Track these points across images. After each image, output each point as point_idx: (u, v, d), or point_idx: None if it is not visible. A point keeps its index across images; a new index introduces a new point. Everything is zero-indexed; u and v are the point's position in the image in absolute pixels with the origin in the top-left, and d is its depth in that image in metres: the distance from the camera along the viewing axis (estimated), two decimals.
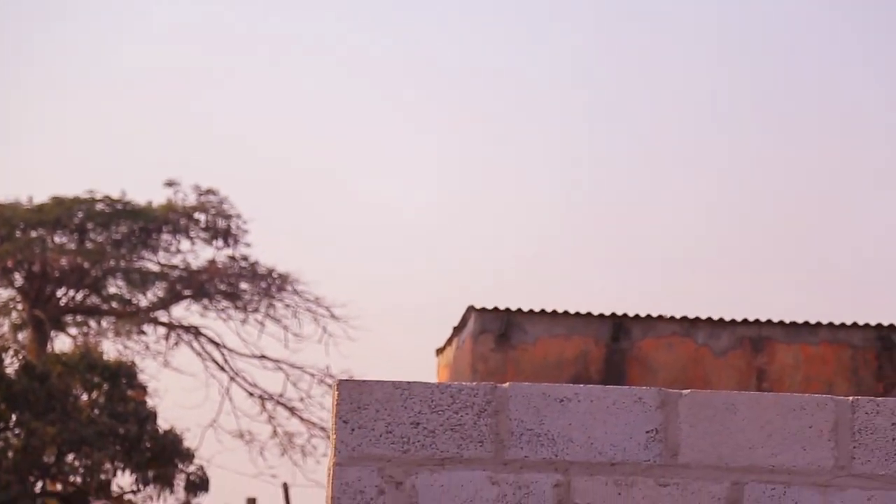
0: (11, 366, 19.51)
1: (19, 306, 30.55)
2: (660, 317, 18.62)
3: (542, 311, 18.35)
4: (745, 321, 18.79)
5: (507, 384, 3.95)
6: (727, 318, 18.79)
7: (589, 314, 18.47)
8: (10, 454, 19.47)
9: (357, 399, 3.87)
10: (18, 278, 30.55)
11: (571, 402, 3.94)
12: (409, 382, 3.94)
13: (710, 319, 18.73)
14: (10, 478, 19.42)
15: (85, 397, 20.43)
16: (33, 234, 30.54)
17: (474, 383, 3.99)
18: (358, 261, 55.40)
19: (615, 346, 18.07)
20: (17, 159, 51.36)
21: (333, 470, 3.78)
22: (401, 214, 58.20)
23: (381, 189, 57.41)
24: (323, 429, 30.02)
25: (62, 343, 30.60)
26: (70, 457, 19.67)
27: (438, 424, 3.85)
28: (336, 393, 3.83)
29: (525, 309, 18.28)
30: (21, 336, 29.49)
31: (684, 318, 18.65)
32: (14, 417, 18.98)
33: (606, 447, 3.94)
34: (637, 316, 18.57)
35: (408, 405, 3.87)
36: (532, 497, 3.84)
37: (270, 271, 31.57)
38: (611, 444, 3.95)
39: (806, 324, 18.80)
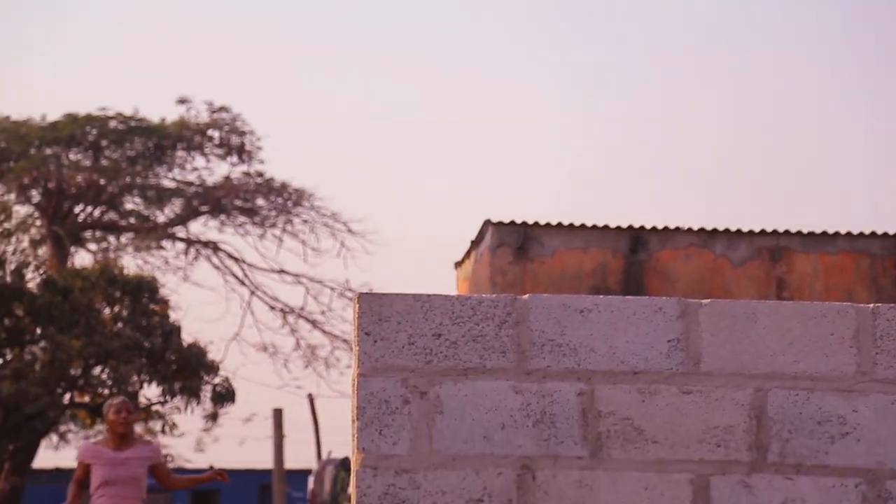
0: (33, 281, 19.62)
1: (38, 223, 30.67)
2: (677, 228, 18.60)
3: (560, 225, 18.34)
4: (762, 232, 18.76)
5: (526, 296, 3.97)
6: (745, 229, 18.76)
7: (606, 227, 18.46)
8: (38, 367, 19.64)
9: (378, 311, 3.90)
10: (35, 195, 30.64)
11: (592, 313, 3.96)
12: (429, 295, 3.97)
13: (727, 230, 18.71)
14: (39, 390, 19.59)
15: (108, 311, 20.55)
16: (48, 151, 30.58)
17: (495, 295, 4.01)
18: (374, 176, 55.36)
19: (633, 258, 18.08)
20: (30, 77, 51.28)
21: (358, 381, 3.81)
22: (417, 127, 58.05)
23: (397, 100, 57.22)
24: (345, 341, 30.20)
25: (82, 259, 30.76)
26: (97, 370, 19.83)
27: (460, 336, 3.88)
28: (357, 305, 3.86)
29: (542, 222, 18.27)
30: (41, 252, 29.62)
31: (702, 230, 18.62)
32: (39, 331, 19.11)
33: (629, 356, 3.97)
34: (655, 228, 18.55)
35: (429, 317, 3.89)
36: (556, 405, 3.87)
37: (286, 187, 31.60)
38: (633, 353, 3.97)
39: (824, 234, 18.77)
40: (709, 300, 4.08)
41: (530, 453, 3.85)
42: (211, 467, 36.18)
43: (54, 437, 28.67)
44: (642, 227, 18.53)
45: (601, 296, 4.10)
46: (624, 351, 4.05)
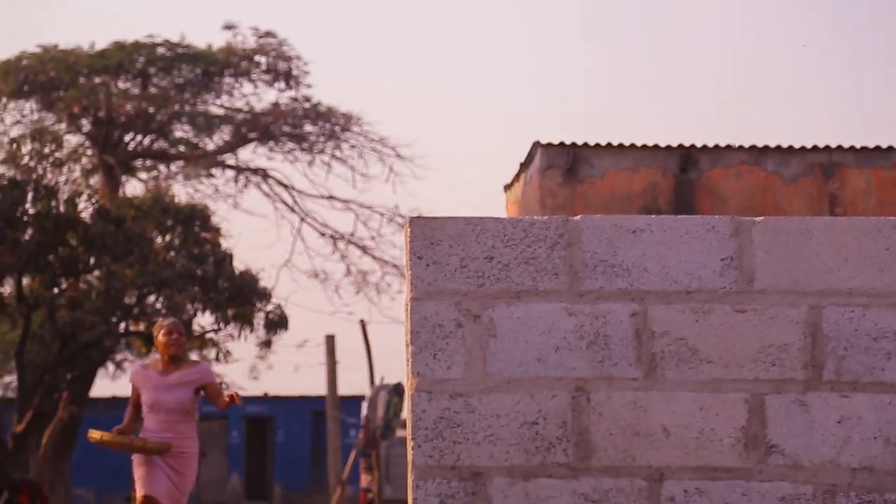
0: (86, 210, 19.72)
1: (88, 152, 30.81)
2: (728, 146, 18.44)
3: (609, 145, 18.23)
4: (814, 147, 18.58)
5: (578, 217, 3.96)
6: (797, 146, 18.58)
7: (656, 146, 18.32)
8: (93, 296, 19.79)
9: (430, 235, 3.90)
10: (85, 124, 30.75)
11: (644, 233, 3.94)
12: (480, 218, 3.96)
13: (779, 147, 18.53)
14: (94, 319, 19.77)
15: (160, 240, 20.66)
16: (97, 80, 30.63)
17: (546, 217, 4.00)
18: (422, 100, 55.19)
19: (684, 177, 17.95)
20: (77, 5, 51.32)
21: (411, 305, 3.82)
22: (465, 48, 57.73)
23: (443, 21, 56.89)
24: (395, 266, 30.25)
25: (133, 188, 30.90)
26: (151, 298, 19.97)
27: (512, 258, 3.87)
28: (409, 230, 3.85)
29: (591, 143, 18.16)
30: (92, 181, 29.78)
31: (753, 147, 18.46)
32: (93, 261, 19.24)
33: (682, 275, 3.95)
34: (705, 146, 18.40)
35: (481, 240, 3.89)
36: (610, 326, 3.87)
37: (334, 112, 31.55)
38: (686, 272, 3.96)
39: (877, 148, 18.57)
40: (762, 217, 4.05)
41: (584, 375, 3.85)
42: (265, 395, 36.51)
43: (111, 367, 28.95)
44: (693, 146, 18.39)
45: (653, 216, 4.08)
46: (677, 270, 4.03)
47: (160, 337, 9.69)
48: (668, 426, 3.83)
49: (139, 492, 9.48)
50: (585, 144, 18.24)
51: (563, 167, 17.90)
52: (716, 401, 3.94)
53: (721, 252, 3.99)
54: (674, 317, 3.98)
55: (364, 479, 17.70)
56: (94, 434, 9.63)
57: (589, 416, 3.83)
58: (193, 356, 19.43)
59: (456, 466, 3.72)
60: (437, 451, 3.72)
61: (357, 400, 30.79)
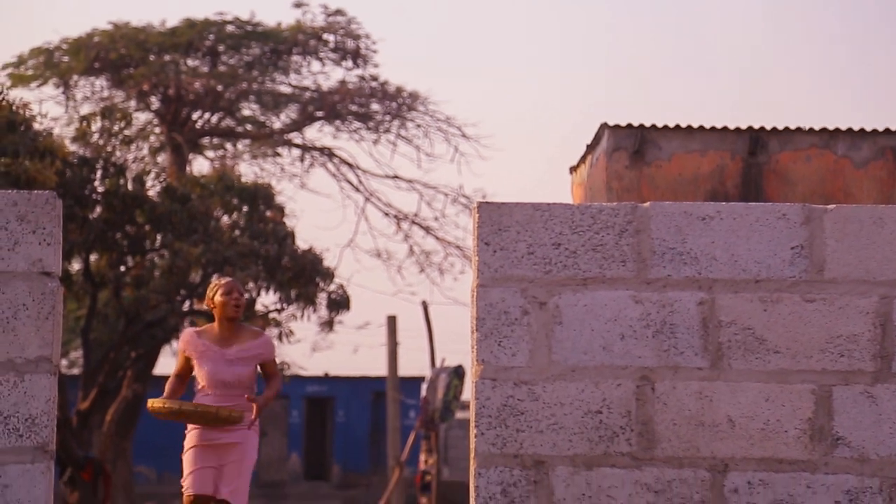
0: (153, 188, 19.82)
1: (157, 130, 30.99)
2: (798, 129, 18.23)
3: (677, 127, 18.06)
4: (886, 131, 18.34)
5: (647, 203, 3.91)
6: (868, 129, 18.35)
7: (725, 128, 18.14)
8: (157, 275, 19.90)
9: (498, 221, 3.87)
10: (154, 102, 30.93)
11: (714, 220, 3.89)
12: (549, 204, 3.92)
13: (850, 130, 18.30)
14: (159, 297, 19.88)
15: (225, 219, 20.73)
16: (166, 57, 30.79)
17: (615, 203, 3.96)
18: (489, 80, 55.07)
19: (752, 161, 17.77)
20: None
21: (477, 291, 3.79)
22: (534, 28, 57.55)
23: (514, 2, 56.72)
24: (458, 247, 30.23)
25: (200, 166, 31.05)
26: (215, 277, 20.06)
27: (580, 245, 3.83)
28: (476, 215, 3.82)
29: (659, 125, 18.00)
30: (160, 159, 29.95)
31: (823, 130, 18.25)
32: (159, 239, 19.33)
33: (751, 264, 3.90)
34: (774, 128, 18.20)
35: (548, 226, 3.85)
36: (676, 315, 3.83)
37: (400, 91, 31.52)
38: (755, 260, 3.90)
39: None
40: (834, 205, 3.99)
41: (650, 364, 3.81)
42: (326, 375, 36.65)
43: (174, 345, 29.14)
44: (762, 128, 18.19)
45: (723, 203, 4.03)
46: (746, 259, 3.97)
47: (218, 297, 8.55)
48: (733, 417, 3.79)
49: (187, 490, 8.50)
50: (653, 126, 18.10)
51: (631, 149, 17.77)
52: (782, 392, 3.89)
53: (791, 240, 3.93)
54: (742, 306, 3.93)
55: (423, 461, 17.70)
56: (156, 403, 8.46)
57: (653, 405, 3.80)
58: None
59: (518, 454, 3.69)
60: (500, 439, 3.70)
61: (417, 381, 30.84)
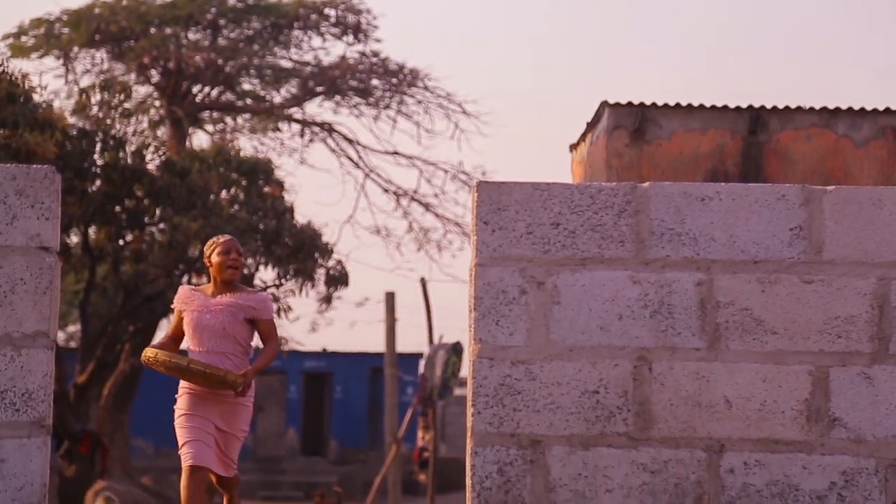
0: (153, 162, 19.78)
1: (157, 103, 30.92)
2: (798, 108, 18.21)
3: (678, 105, 18.03)
4: (887, 110, 18.31)
5: (646, 184, 3.90)
6: (868, 108, 18.32)
7: (725, 107, 18.12)
8: (156, 249, 19.88)
9: (497, 200, 3.86)
10: (155, 75, 30.86)
11: (713, 201, 3.88)
12: (548, 183, 3.92)
13: (850, 109, 18.28)
14: (157, 271, 19.87)
15: (224, 193, 20.70)
16: (167, 30, 30.71)
17: (614, 184, 3.95)
18: (489, 56, 54.97)
19: (752, 140, 17.75)
20: None
21: (475, 270, 3.78)
22: (534, 5, 57.42)
23: None
24: (458, 224, 30.22)
25: (199, 140, 31.01)
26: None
27: (579, 225, 3.83)
28: (476, 194, 3.81)
29: (659, 103, 17.97)
30: (160, 132, 29.90)
31: (824, 109, 18.22)
32: (158, 213, 19.30)
33: (749, 245, 3.89)
34: (775, 107, 18.18)
35: (548, 206, 3.84)
36: (674, 296, 3.82)
37: (401, 67, 31.45)
38: (753, 241, 3.90)
39: None
40: (833, 187, 3.98)
41: (647, 345, 3.81)
42: (324, 350, 36.66)
43: (172, 318, 29.10)
44: (762, 107, 18.17)
45: (722, 183, 4.02)
46: (745, 240, 3.97)
47: (214, 256, 7.90)
48: (730, 397, 3.79)
49: (186, 460, 7.75)
50: (654, 105, 18.06)
51: (631, 128, 17.75)
52: (779, 373, 3.89)
53: (790, 221, 3.93)
54: (740, 287, 3.93)
55: (420, 437, 17.73)
56: (160, 355, 7.68)
57: (651, 385, 3.80)
58: None
59: (515, 434, 3.69)
60: (497, 418, 3.70)
61: (415, 358, 30.84)
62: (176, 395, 7.95)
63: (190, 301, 7.92)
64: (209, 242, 8.06)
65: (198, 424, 7.80)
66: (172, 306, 8.11)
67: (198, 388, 7.79)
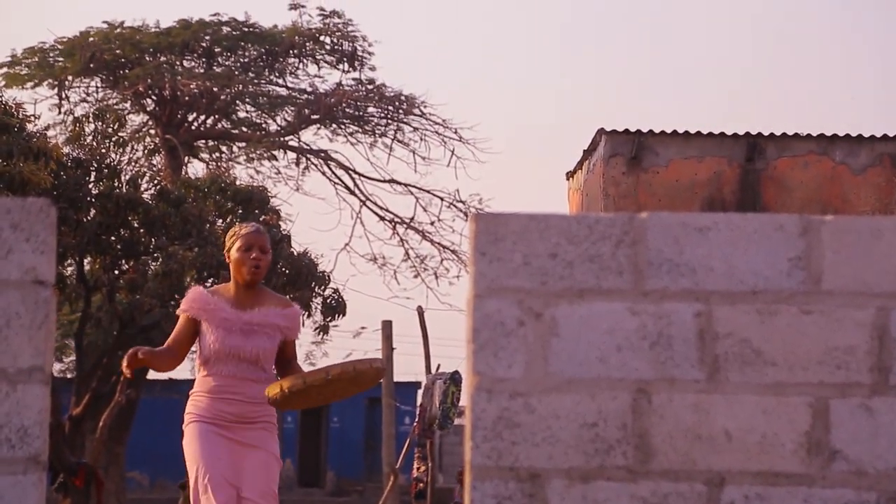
0: (148, 191, 19.79)
1: (152, 132, 30.96)
2: (796, 135, 18.25)
3: (674, 133, 18.08)
4: (884, 137, 18.35)
5: (644, 214, 3.89)
6: (866, 135, 18.36)
7: (722, 134, 18.16)
8: (151, 278, 19.89)
9: (494, 231, 3.84)
10: (149, 103, 30.90)
11: (711, 231, 3.87)
12: (545, 214, 3.90)
13: (848, 136, 18.32)
14: (152, 301, 19.87)
15: (219, 222, 20.72)
16: (162, 58, 30.77)
17: (612, 214, 3.94)
18: (485, 84, 55.07)
19: (750, 167, 17.78)
20: None
21: (473, 302, 3.77)
22: (529, 33, 57.57)
23: (509, 5, 56.73)
24: (454, 252, 30.21)
25: (195, 168, 31.04)
26: (210, 281, 20.05)
27: (576, 255, 3.81)
28: (473, 225, 3.80)
29: (656, 130, 18.01)
30: (155, 161, 29.92)
31: (821, 136, 18.26)
32: (153, 242, 19.31)
33: (748, 275, 3.88)
34: (772, 134, 18.21)
35: (545, 237, 3.83)
36: (673, 327, 3.80)
37: (397, 94, 31.50)
38: (752, 272, 3.88)
39: None
40: (832, 217, 3.97)
41: (646, 376, 3.79)
42: None
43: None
44: (759, 134, 18.21)
45: (721, 213, 4.01)
46: (743, 270, 3.96)
47: (233, 251, 6.65)
48: (729, 430, 3.77)
49: (204, 476, 6.32)
50: (650, 132, 18.11)
51: (628, 155, 17.78)
52: (779, 404, 3.87)
53: (788, 252, 3.91)
54: (738, 318, 3.91)
55: (416, 469, 17.71)
56: (273, 389, 6.21)
57: (650, 418, 3.77)
58: None
59: (514, 467, 3.67)
60: (496, 452, 3.67)
61: (413, 387, 30.77)
62: (186, 412, 6.67)
63: (211, 311, 6.59)
64: (230, 232, 6.86)
65: (215, 463, 6.42)
66: (181, 311, 6.77)
67: (210, 404, 6.47)
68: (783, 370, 3.86)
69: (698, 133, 18.03)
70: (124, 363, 6.47)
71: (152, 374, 24.06)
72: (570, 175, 20.51)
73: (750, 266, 3.99)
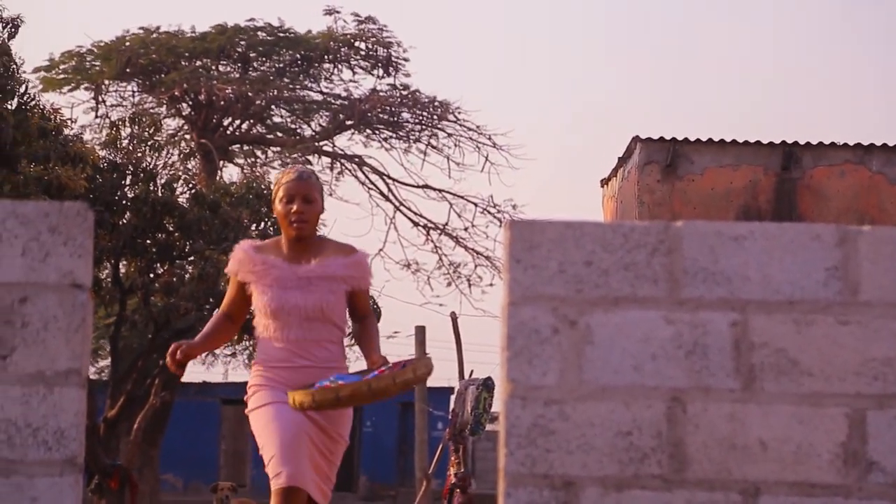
0: (183, 195, 19.87)
1: (187, 136, 31.08)
2: (832, 143, 18.17)
3: (710, 140, 18.01)
4: None
5: (680, 223, 3.88)
6: None
7: (758, 142, 18.09)
8: (187, 282, 19.96)
9: (529, 238, 3.84)
10: (185, 108, 31.02)
11: (747, 240, 3.86)
12: (580, 222, 3.90)
13: (885, 145, 18.23)
14: (188, 305, 19.94)
15: (254, 227, 20.78)
16: (198, 63, 30.90)
17: (647, 222, 3.93)
18: (520, 89, 55.05)
19: (785, 176, 17.70)
20: None
21: (508, 310, 3.77)
22: (565, 39, 57.52)
23: (543, 12, 56.71)
24: (488, 258, 30.18)
25: (230, 173, 31.16)
26: None
27: (611, 263, 3.81)
28: (508, 233, 3.80)
29: (692, 138, 17.95)
30: (190, 165, 30.04)
31: (858, 145, 18.17)
32: (188, 246, 19.38)
33: (784, 285, 3.86)
34: (808, 143, 18.13)
35: (580, 244, 3.82)
36: (709, 336, 3.79)
37: (432, 100, 31.52)
38: (788, 281, 3.87)
39: None
40: (869, 227, 3.96)
41: (681, 385, 3.78)
42: None
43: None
44: (795, 143, 18.13)
45: (756, 223, 4.00)
46: (779, 280, 3.94)
47: (277, 204, 5.84)
48: (765, 440, 3.75)
49: (279, 479, 5.54)
50: (686, 140, 18.05)
51: (663, 163, 17.73)
52: (815, 415, 3.85)
53: (825, 261, 3.90)
54: (775, 327, 3.89)
55: (451, 475, 17.72)
56: (298, 396, 5.45)
57: (685, 427, 3.76)
58: None
59: (548, 475, 3.66)
60: (530, 459, 3.67)
61: (445, 392, 30.73)
62: (249, 385, 5.86)
63: (259, 273, 5.76)
64: (276, 179, 6.03)
65: (292, 428, 5.62)
66: (229, 271, 5.95)
67: (277, 374, 5.69)
68: (819, 380, 3.84)
69: (734, 141, 17.96)
70: (170, 364, 5.77)
71: (187, 378, 24.13)
72: (604, 182, 20.47)
73: (786, 276, 3.97)
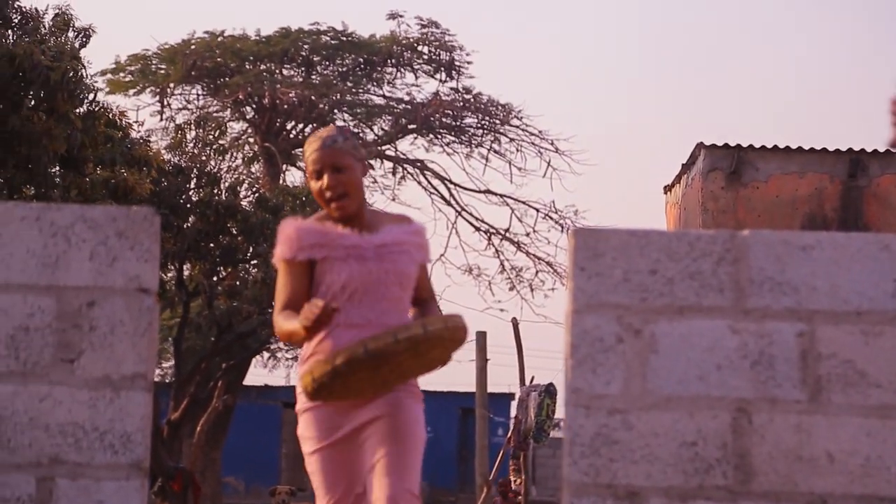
0: (247, 199, 19.96)
1: (251, 140, 31.22)
2: None
3: (775, 147, 17.86)
4: None
5: (746, 232, 3.85)
6: None
7: (824, 150, 17.92)
8: (250, 285, 20.05)
9: (593, 246, 3.82)
10: (249, 111, 31.17)
11: (814, 250, 3.82)
12: (645, 230, 3.87)
13: None
14: (251, 308, 20.02)
15: None
16: (262, 66, 31.02)
17: (713, 231, 3.90)
18: (583, 94, 54.91)
19: (852, 184, 17.52)
20: None
21: (572, 317, 3.75)
22: (628, 45, 57.34)
23: (608, 16, 56.57)
24: (549, 264, 30.11)
25: (293, 176, 31.29)
26: None
27: (676, 272, 3.78)
28: (573, 241, 3.79)
29: (757, 145, 17.81)
30: (254, 169, 30.17)
31: None
32: (251, 249, 19.47)
33: (852, 295, 3.82)
34: (876, 151, 17.94)
35: (644, 253, 3.80)
36: (775, 346, 3.75)
37: (494, 104, 31.49)
38: (856, 292, 3.82)
39: None
40: None
41: (747, 396, 3.74)
42: None
43: (265, 356, 29.23)
44: (862, 150, 17.94)
45: (823, 232, 3.95)
46: (847, 290, 3.89)
47: (310, 181, 4.87)
48: (832, 452, 3.71)
49: (325, 497, 4.82)
50: (751, 146, 17.92)
51: (727, 170, 17.61)
52: (884, 427, 3.80)
53: (894, 272, 3.85)
54: (842, 338, 3.85)
55: (512, 482, 17.69)
56: (306, 378, 4.54)
57: (750, 438, 3.72)
58: None
59: (612, 485, 3.64)
60: (594, 469, 3.65)
61: (506, 398, 30.68)
62: (297, 411, 4.94)
63: (329, 245, 4.71)
64: (305, 146, 4.95)
65: (336, 467, 4.86)
66: (283, 258, 4.84)
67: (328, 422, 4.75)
68: (888, 392, 3.79)
69: (799, 148, 17.81)
70: (314, 321, 4.53)
71: (249, 381, 24.24)
72: (667, 189, 20.36)
73: (854, 286, 3.92)
